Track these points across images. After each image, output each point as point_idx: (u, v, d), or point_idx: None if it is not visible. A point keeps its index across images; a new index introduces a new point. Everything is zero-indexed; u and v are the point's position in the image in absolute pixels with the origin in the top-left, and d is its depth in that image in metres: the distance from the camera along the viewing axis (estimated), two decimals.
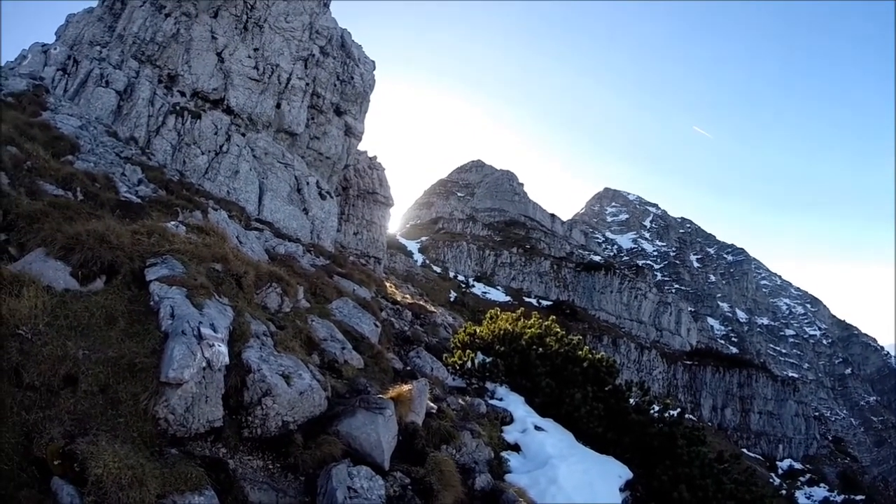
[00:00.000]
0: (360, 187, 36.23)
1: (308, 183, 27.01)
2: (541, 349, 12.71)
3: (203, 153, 23.41)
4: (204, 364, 5.37)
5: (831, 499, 62.48)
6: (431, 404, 8.31)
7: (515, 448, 9.33)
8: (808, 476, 69.21)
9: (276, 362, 6.41)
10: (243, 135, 25.54)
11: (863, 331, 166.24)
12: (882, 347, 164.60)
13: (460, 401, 9.91)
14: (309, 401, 6.21)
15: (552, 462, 8.59)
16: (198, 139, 23.53)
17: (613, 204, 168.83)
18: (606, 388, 12.10)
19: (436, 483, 6.13)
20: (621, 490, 9.05)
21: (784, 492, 55.42)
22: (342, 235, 33.60)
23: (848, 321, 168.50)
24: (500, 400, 11.29)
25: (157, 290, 6.60)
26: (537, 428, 10.15)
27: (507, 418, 10.40)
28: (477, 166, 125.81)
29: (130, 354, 5.45)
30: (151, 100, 23.04)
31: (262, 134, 26.50)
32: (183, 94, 24.83)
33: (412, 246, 76.65)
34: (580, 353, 12.64)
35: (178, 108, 23.86)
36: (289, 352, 7.03)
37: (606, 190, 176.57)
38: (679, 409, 12.08)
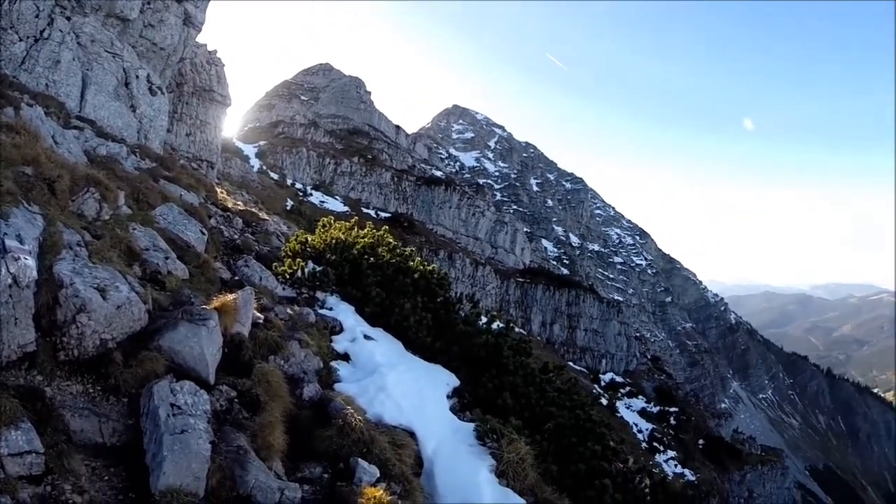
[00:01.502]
0: (196, 84, 33.43)
1: (137, 76, 24.62)
2: (372, 259, 12.72)
3: (21, 39, 20.46)
4: (9, 280, 4.92)
5: (648, 409, 69.39)
6: (258, 314, 8.17)
7: (345, 357, 9.39)
8: (627, 389, 75.59)
9: (90, 275, 5.96)
10: (68, 19, 22.47)
11: (685, 265, 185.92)
12: (700, 282, 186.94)
13: (289, 310, 9.71)
14: (127, 315, 5.87)
15: (381, 370, 8.70)
16: (15, 23, 20.37)
17: (461, 121, 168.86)
18: (437, 300, 12.33)
19: (263, 395, 6.10)
20: (449, 397, 9.31)
21: (605, 401, 60.88)
22: (173, 136, 31.08)
23: (672, 255, 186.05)
24: (331, 309, 11.25)
25: None
26: (367, 337, 10.26)
27: (336, 328, 10.39)
28: (325, 69, 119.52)
29: None
30: None
31: (89, 18, 23.48)
32: None
33: (249, 150, 71.97)
34: (412, 264, 12.76)
35: None
36: (106, 263, 6.56)
37: (455, 107, 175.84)
38: (507, 322, 12.45)
